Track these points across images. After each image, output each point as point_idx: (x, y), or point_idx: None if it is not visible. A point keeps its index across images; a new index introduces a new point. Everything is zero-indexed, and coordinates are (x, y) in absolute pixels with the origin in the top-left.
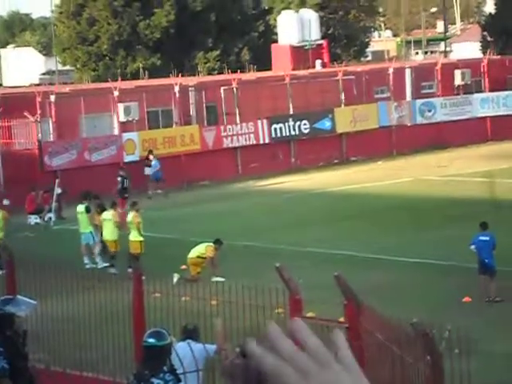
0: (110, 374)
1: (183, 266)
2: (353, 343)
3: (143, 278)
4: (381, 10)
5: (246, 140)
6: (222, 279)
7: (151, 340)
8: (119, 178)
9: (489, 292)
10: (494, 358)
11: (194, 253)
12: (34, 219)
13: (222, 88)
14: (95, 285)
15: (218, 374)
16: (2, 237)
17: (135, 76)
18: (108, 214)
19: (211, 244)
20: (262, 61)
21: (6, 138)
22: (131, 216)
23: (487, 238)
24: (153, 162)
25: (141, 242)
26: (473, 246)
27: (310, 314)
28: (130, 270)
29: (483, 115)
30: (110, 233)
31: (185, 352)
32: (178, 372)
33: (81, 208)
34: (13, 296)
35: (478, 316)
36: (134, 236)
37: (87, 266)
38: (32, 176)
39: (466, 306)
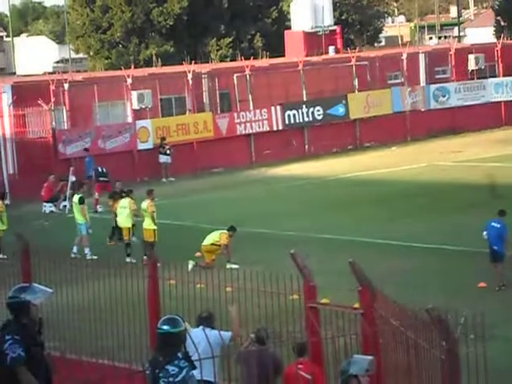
0: (126, 361)
1: (198, 253)
2: (367, 329)
3: (158, 265)
4: None
5: (259, 127)
6: (237, 266)
7: (165, 327)
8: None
9: (497, 278)
10: (509, 343)
11: (208, 240)
12: (48, 207)
13: (235, 75)
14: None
15: (234, 361)
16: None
17: (148, 63)
18: (125, 202)
19: (225, 231)
20: (275, 47)
21: (19, 126)
22: (146, 204)
23: (498, 226)
24: (86, 159)
25: (154, 230)
26: (484, 233)
27: (324, 301)
28: (145, 257)
29: (497, 100)
30: (123, 220)
31: (200, 338)
32: (192, 359)
33: (75, 198)
34: (28, 284)
35: (493, 301)
36: (148, 224)
37: (72, 255)
38: (46, 164)
39: (482, 292)
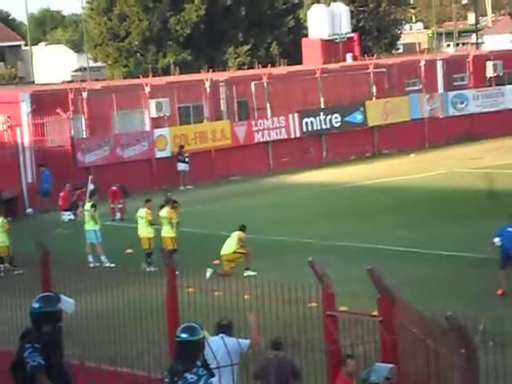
0: (145, 369)
1: (216, 261)
2: (386, 337)
3: (177, 273)
4: (411, 1)
5: (277, 134)
6: (254, 273)
7: (184, 335)
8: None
9: (504, 284)
10: None
11: (229, 248)
12: (67, 216)
13: (253, 83)
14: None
15: (252, 368)
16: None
17: (166, 72)
18: (141, 212)
19: (239, 232)
20: (292, 55)
21: (38, 135)
22: (165, 211)
23: None
24: (45, 172)
25: (172, 237)
26: (497, 239)
27: (342, 308)
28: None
29: None
30: (142, 230)
31: (218, 346)
32: (211, 366)
33: (87, 206)
34: (53, 293)
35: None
36: (166, 232)
37: (91, 265)
38: (65, 173)
39: (500, 299)
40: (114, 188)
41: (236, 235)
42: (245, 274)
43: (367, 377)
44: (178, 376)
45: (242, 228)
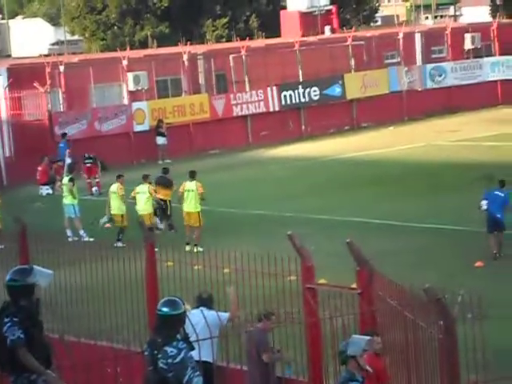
0: (125, 342)
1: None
2: (365, 309)
3: (156, 249)
4: None
5: (255, 108)
6: (201, 249)
7: (166, 309)
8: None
9: (494, 247)
10: (507, 322)
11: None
12: (45, 190)
13: (231, 56)
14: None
15: (231, 342)
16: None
17: (143, 44)
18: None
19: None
20: (271, 28)
21: (16, 109)
22: (145, 187)
23: (502, 194)
24: (59, 144)
25: (150, 214)
26: (484, 202)
27: (321, 281)
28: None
29: (493, 79)
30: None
31: (198, 319)
32: (191, 339)
33: (65, 180)
34: (28, 266)
35: (490, 280)
36: (144, 209)
37: (69, 239)
38: (42, 147)
39: (479, 271)
40: (88, 165)
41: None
42: (194, 250)
43: (345, 349)
44: (157, 349)
45: (191, 174)
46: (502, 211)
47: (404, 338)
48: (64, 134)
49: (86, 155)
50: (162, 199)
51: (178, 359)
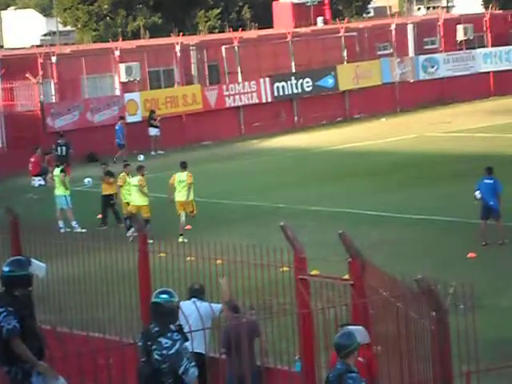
0: (117, 333)
1: (188, 226)
2: (357, 300)
3: (151, 241)
4: None
5: (248, 99)
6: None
7: (160, 298)
8: (54, 146)
9: (482, 235)
10: (499, 312)
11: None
12: (37, 181)
13: (224, 47)
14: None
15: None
16: None
17: (136, 35)
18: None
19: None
20: (263, 19)
21: (8, 99)
22: (136, 180)
23: (491, 181)
24: (115, 128)
25: (146, 206)
26: (478, 192)
27: (314, 272)
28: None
29: (486, 70)
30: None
31: (190, 310)
32: (185, 331)
33: (57, 171)
34: (25, 257)
35: (483, 271)
36: (141, 201)
37: (62, 231)
38: (35, 138)
39: (471, 262)
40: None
41: (187, 174)
42: (180, 240)
43: (347, 343)
44: (151, 340)
45: (183, 165)
46: (495, 198)
47: (396, 330)
48: (121, 117)
49: (59, 141)
50: (109, 194)
51: (172, 350)
